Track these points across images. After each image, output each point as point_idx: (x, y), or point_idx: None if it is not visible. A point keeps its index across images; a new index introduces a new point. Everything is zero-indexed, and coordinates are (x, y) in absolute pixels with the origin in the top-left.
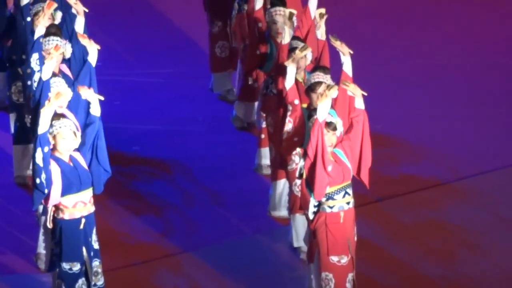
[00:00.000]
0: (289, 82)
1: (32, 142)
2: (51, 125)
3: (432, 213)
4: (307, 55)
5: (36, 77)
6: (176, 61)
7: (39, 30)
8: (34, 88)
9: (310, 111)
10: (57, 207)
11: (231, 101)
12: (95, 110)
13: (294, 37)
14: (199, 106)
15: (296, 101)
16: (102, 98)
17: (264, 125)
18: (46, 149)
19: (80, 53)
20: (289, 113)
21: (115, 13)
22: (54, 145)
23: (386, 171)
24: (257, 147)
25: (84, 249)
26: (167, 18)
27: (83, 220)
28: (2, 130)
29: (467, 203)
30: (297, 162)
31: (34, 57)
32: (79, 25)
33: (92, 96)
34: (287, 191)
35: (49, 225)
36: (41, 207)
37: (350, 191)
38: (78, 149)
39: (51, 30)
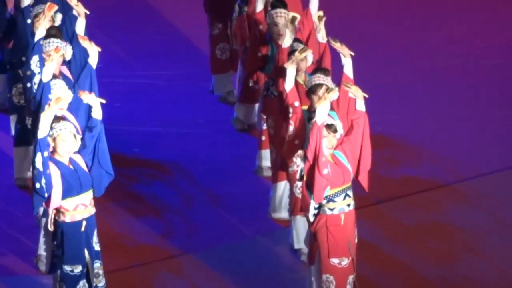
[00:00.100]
0: (289, 84)
1: (33, 145)
2: (51, 128)
3: (433, 215)
4: (307, 57)
5: (36, 79)
6: (177, 63)
7: (40, 32)
8: (34, 90)
9: (311, 113)
10: (58, 210)
11: (231, 103)
12: (97, 113)
13: (295, 39)
14: (199, 108)
15: (296, 103)
16: (103, 101)
17: (264, 127)
18: (45, 153)
19: (80, 55)
20: (289, 116)
21: (115, 15)
22: (54, 148)
23: (387, 172)
24: (258, 149)
25: (86, 251)
26: (168, 20)
27: (84, 222)
28: (2, 132)
29: (467, 205)
30: (299, 164)
31: (34, 59)
32: (80, 27)
33: (93, 100)
34: (287, 193)
35: (50, 228)
36: (41, 209)
37: (350, 193)
38: (78, 152)
39: (52, 32)
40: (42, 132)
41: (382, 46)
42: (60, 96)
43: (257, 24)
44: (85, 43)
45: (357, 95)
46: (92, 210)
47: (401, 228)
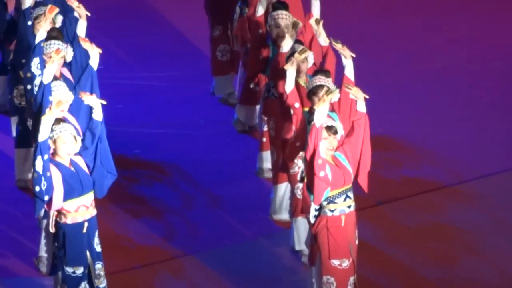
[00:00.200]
0: (289, 86)
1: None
2: (51, 130)
3: (433, 216)
4: (308, 59)
5: (37, 82)
6: (178, 64)
7: (40, 34)
8: (35, 92)
9: (311, 114)
10: (59, 212)
11: (232, 105)
12: (97, 115)
13: (295, 41)
14: (200, 110)
15: (297, 105)
16: (104, 102)
17: (265, 128)
18: (46, 156)
19: (81, 56)
20: (290, 117)
21: (116, 17)
22: (55, 150)
23: (387, 174)
24: (259, 150)
25: (87, 253)
26: (169, 21)
27: (86, 224)
28: (3, 133)
29: (468, 207)
30: (300, 165)
31: (35, 62)
32: (81, 28)
33: (94, 101)
34: (288, 194)
35: (51, 229)
36: (42, 210)
37: (351, 194)
38: (79, 153)
39: (52, 34)
40: (42, 136)
41: (383, 47)
42: (61, 100)
43: (257, 27)
44: (86, 44)
45: (358, 96)
46: (93, 212)
47: (402, 229)
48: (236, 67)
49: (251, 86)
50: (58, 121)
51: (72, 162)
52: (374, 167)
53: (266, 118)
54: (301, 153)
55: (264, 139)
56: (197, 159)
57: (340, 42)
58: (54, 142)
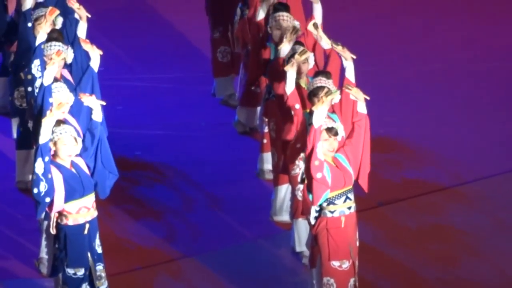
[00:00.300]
0: (289, 87)
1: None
2: (52, 132)
3: (434, 217)
4: (308, 60)
5: (37, 83)
6: (178, 66)
7: (41, 36)
8: (36, 94)
9: (311, 116)
10: (60, 213)
11: (233, 106)
12: (97, 116)
13: (296, 42)
14: (201, 111)
15: (297, 106)
16: (103, 103)
17: (266, 130)
18: (47, 158)
19: (82, 58)
20: (291, 119)
21: (117, 18)
22: (55, 151)
23: (388, 175)
24: (259, 152)
25: (89, 254)
26: (169, 23)
27: (87, 225)
28: (4, 135)
29: (468, 208)
30: (301, 167)
31: (36, 63)
32: (82, 30)
33: (94, 103)
34: (289, 196)
35: (53, 231)
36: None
37: (351, 196)
38: (80, 155)
39: (53, 36)
40: (43, 138)
41: (383, 48)
42: (61, 102)
43: (258, 29)
44: (87, 46)
45: (358, 97)
46: (94, 213)
47: (402, 230)
48: (237, 68)
49: (252, 87)
50: (58, 122)
51: (73, 164)
52: (375, 168)
53: (266, 120)
54: (302, 155)
55: (265, 141)
56: (197, 161)
57: (340, 44)
58: (55, 144)
